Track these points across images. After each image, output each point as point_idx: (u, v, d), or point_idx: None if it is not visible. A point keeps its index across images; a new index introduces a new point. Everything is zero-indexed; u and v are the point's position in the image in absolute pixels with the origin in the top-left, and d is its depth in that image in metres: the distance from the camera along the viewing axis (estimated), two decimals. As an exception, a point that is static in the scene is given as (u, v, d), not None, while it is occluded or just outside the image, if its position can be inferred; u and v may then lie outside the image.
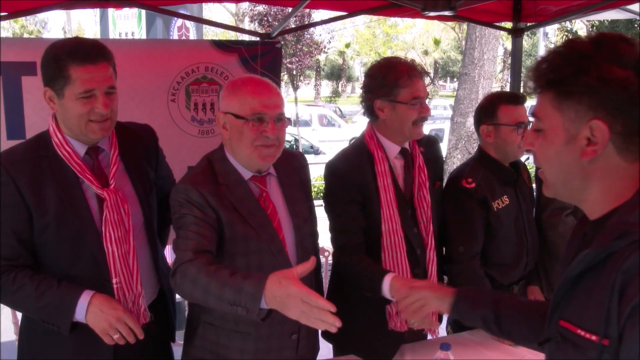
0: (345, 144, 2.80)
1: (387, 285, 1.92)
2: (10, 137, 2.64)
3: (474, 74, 7.91)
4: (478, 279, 2.32)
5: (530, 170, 2.78)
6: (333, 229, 2.17)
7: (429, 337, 2.38)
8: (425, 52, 38.62)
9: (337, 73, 43.42)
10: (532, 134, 1.15)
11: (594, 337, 1.01)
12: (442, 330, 2.73)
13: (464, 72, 8.13)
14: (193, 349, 1.94)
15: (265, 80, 1.87)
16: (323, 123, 20.44)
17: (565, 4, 3.33)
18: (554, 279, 2.62)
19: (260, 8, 15.29)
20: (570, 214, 2.57)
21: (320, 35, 24.23)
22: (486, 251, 2.39)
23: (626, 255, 0.96)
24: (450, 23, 19.64)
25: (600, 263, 1.01)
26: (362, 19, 33.99)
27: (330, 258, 3.00)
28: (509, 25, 3.65)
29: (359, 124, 19.83)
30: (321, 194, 2.26)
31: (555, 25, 15.17)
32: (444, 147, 9.61)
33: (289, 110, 14.48)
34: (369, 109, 2.18)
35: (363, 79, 2.21)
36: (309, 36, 16.93)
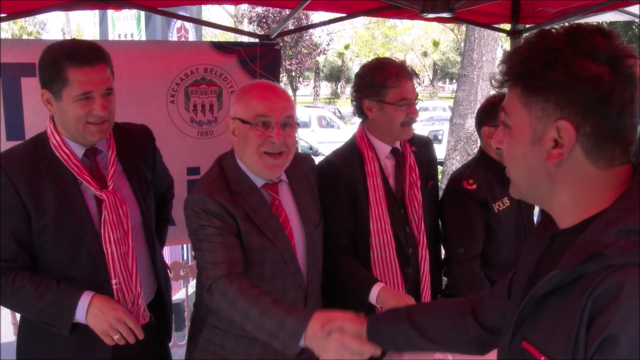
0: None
1: (374, 294, 1.97)
2: (9, 138, 2.64)
3: (473, 75, 7.92)
4: (478, 280, 2.32)
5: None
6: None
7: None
8: (425, 54, 38.70)
9: (336, 74, 43.46)
10: (502, 131, 1.05)
11: None
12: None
13: (463, 74, 8.13)
14: (197, 350, 1.93)
15: (274, 84, 1.85)
16: (322, 124, 20.43)
17: (563, 6, 3.34)
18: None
19: (259, 10, 15.33)
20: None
21: (319, 37, 24.30)
22: (486, 252, 2.39)
23: (598, 280, 0.85)
24: (449, 25, 19.65)
25: (570, 284, 0.90)
26: (361, 21, 34.05)
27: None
28: (507, 26, 3.66)
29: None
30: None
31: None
32: (443, 149, 9.66)
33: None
34: (359, 109, 2.21)
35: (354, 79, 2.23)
36: (307, 37, 16.97)
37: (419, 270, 2.24)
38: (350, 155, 2.21)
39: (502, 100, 1.03)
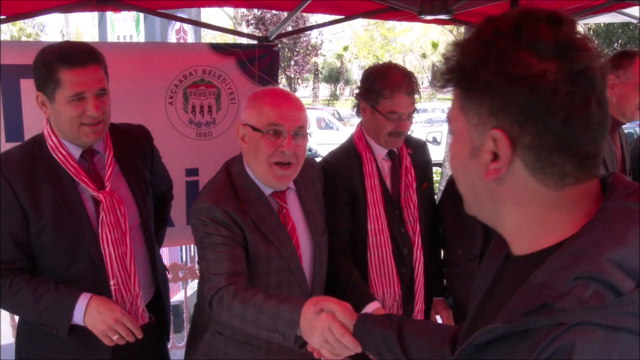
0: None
1: (369, 311, 1.94)
2: (8, 140, 2.64)
3: (472, 77, 7.93)
4: (476, 281, 2.33)
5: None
6: None
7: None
8: (423, 55, 38.73)
9: (335, 76, 43.48)
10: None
11: None
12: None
13: (461, 75, 8.14)
14: (198, 354, 1.91)
15: (288, 92, 1.83)
16: (321, 126, 20.44)
17: (561, 8, 3.35)
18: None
19: (256, 12, 15.39)
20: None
21: (316, 38, 24.32)
22: (485, 254, 2.39)
23: (549, 339, 0.67)
24: (448, 26, 19.67)
25: (516, 334, 0.73)
26: (360, 22, 34.08)
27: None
28: (505, 28, 3.66)
29: (357, 127, 19.79)
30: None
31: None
32: (441, 151, 9.63)
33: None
34: (357, 106, 2.25)
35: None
36: (305, 38, 17.01)
37: (414, 271, 2.25)
38: (348, 156, 2.22)
39: None
